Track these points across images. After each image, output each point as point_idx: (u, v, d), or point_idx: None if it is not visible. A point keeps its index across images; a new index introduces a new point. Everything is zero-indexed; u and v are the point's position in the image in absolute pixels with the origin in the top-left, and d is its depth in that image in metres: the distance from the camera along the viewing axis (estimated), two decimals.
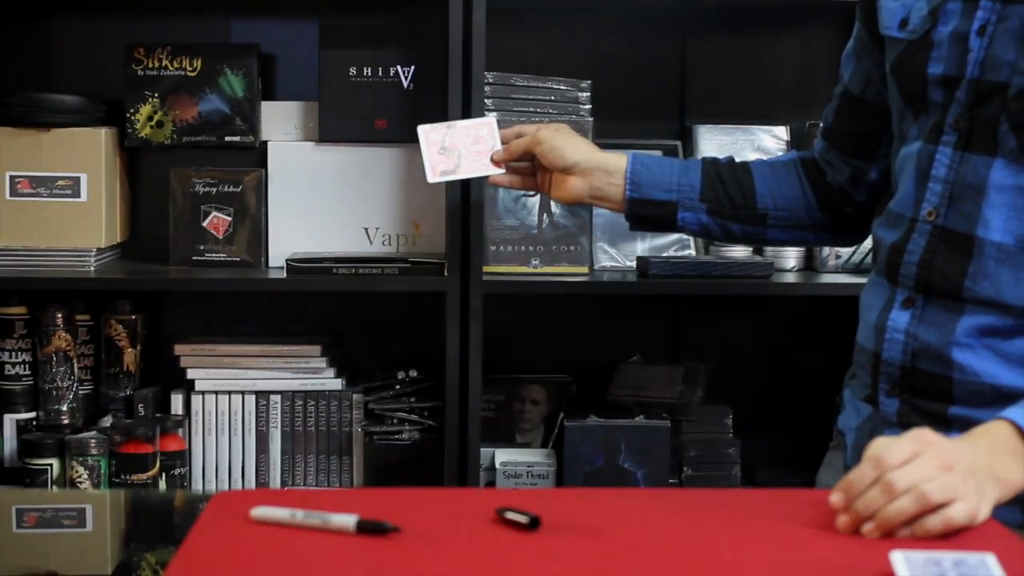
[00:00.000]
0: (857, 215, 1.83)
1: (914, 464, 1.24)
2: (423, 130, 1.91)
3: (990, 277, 1.48)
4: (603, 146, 1.98)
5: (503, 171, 1.94)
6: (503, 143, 1.93)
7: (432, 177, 1.92)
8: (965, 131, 1.50)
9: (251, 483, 2.64)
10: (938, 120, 1.53)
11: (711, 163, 1.88)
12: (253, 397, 2.64)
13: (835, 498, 1.25)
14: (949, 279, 1.50)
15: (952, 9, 1.52)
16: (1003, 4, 1.48)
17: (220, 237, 2.63)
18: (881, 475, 1.23)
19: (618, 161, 1.87)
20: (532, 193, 2.55)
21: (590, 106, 2.58)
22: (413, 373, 2.63)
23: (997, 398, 1.47)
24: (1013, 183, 1.47)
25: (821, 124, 1.84)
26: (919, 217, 1.53)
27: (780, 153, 2.55)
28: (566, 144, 1.88)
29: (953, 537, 1.20)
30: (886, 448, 1.25)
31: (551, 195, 1.92)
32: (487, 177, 1.96)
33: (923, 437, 1.27)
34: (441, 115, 2.37)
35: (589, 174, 1.87)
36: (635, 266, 2.63)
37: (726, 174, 1.86)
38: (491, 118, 1.94)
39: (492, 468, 2.58)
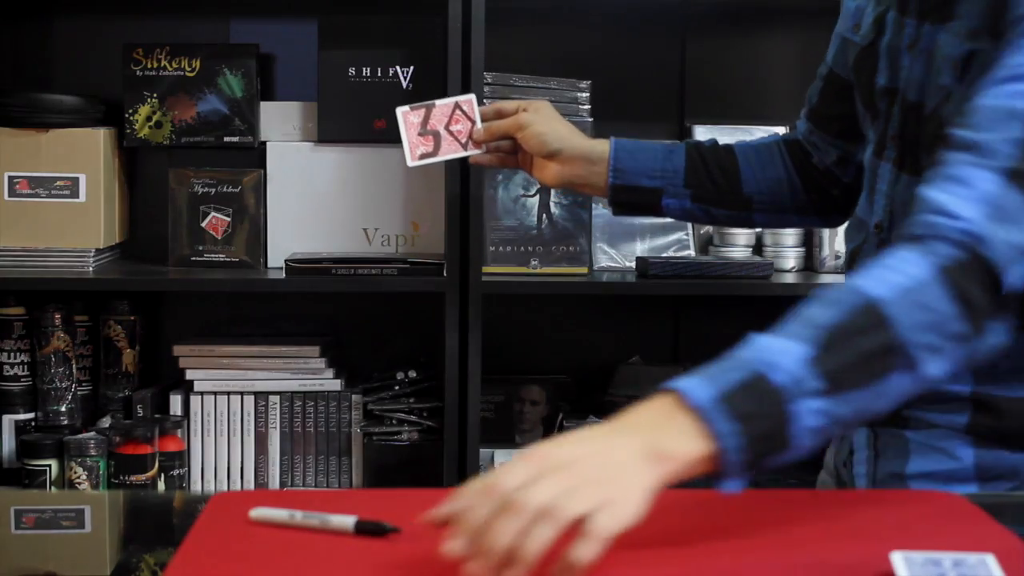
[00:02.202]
0: (843, 196, 1.80)
1: (538, 484, 1.06)
2: (401, 112, 1.87)
3: None
4: None
5: (483, 151, 1.89)
6: (483, 120, 1.88)
7: (411, 161, 1.88)
8: (900, 148, 1.49)
9: (250, 484, 2.64)
10: (882, 133, 1.52)
11: (694, 147, 1.84)
12: (252, 398, 2.64)
13: (456, 546, 1.07)
14: None
15: (891, 20, 1.51)
16: (919, 22, 1.46)
17: (219, 238, 2.62)
18: (503, 501, 1.06)
19: (600, 148, 1.82)
20: (532, 193, 2.55)
21: (589, 106, 2.58)
22: (412, 374, 2.63)
23: (939, 400, 1.48)
24: None
25: (805, 106, 1.82)
26: (870, 227, 1.53)
27: None
28: (547, 131, 1.82)
29: (952, 538, 1.20)
30: (501, 474, 1.08)
31: (533, 175, 1.88)
32: (468, 159, 1.92)
33: (539, 452, 1.10)
34: None
35: (571, 162, 1.82)
36: (634, 266, 2.63)
37: (710, 158, 1.83)
38: (471, 95, 1.90)
39: (491, 469, 2.58)
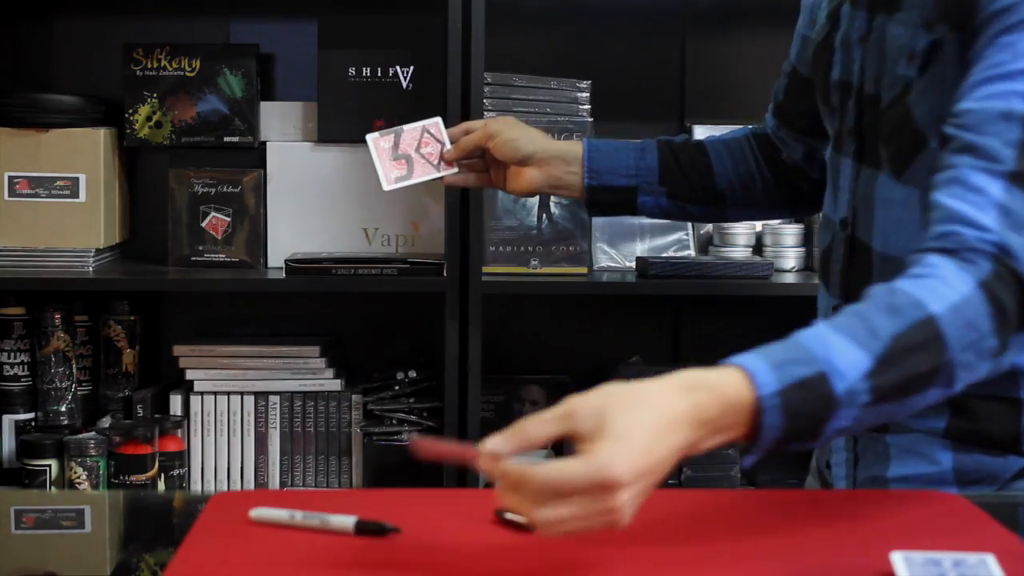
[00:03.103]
0: (813, 191, 1.81)
1: (573, 503, 1.05)
2: (371, 139, 1.88)
3: None
4: None
5: (456, 171, 1.89)
6: (452, 141, 1.88)
7: (387, 185, 1.88)
8: (858, 142, 1.49)
9: (250, 484, 2.64)
10: (840, 128, 1.53)
11: (666, 144, 1.85)
12: (252, 398, 2.64)
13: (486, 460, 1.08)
14: (861, 290, 1.50)
15: (844, 13, 1.51)
16: (872, 14, 1.46)
17: (219, 238, 2.62)
18: (536, 495, 1.06)
19: (574, 149, 1.83)
20: None
21: (589, 106, 2.58)
22: (412, 374, 2.63)
23: None
24: (896, 196, 1.45)
25: (772, 102, 1.82)
26: (836, 225, 1.53)
27: None
28: (519, 135, 1.82)
29: (952, 538, 1.20)
30: (563, 470, 1.05)
31: (506, 189, 1.87)
32: (441, 179, 1.92)
33: (611, 452, 1.06)
34: (440, 115, 2.37)
35: (546, 164, 1.82)
36: (634, 266, 2.63)
37: (682, 155, 1.84)
38: (437, 119, 1.90)
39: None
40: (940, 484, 1.46)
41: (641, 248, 2.66)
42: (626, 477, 1.05)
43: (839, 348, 1.17)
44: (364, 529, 1.17)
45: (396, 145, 1.87)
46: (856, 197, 1.50)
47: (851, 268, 1.51)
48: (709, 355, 3.02)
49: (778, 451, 1.18)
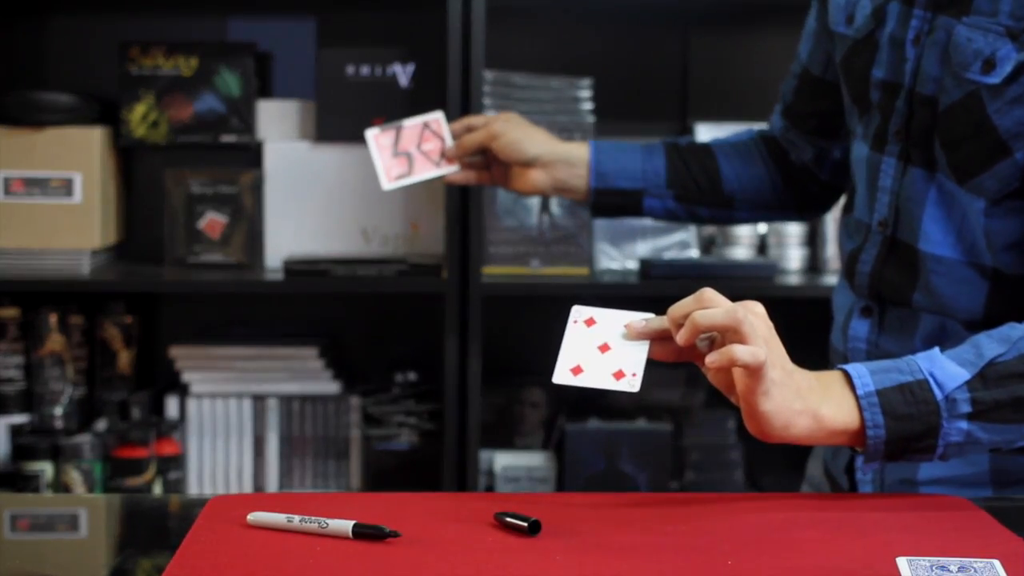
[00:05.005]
0: (822, 192, 1.80)
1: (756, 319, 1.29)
2: (371, 135, 1.85)
3: (932, 290, 1.45)
4: None
5: (456, 168, 1.87)
6: (454, 137, 1.87)
7: (386, 184, 1.86)
8: (905, 142, 1.47)
9: (247, 487, 2.63)
10: (881, 128, 1.50)
11: (672, 147, 1.84)
12: (249, 400, 2.62)
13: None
14: (898, 290, 1.48)
15: (892, 11, 1.48)
16: (934, 14, 1.43)
17: (216, 239, 2.61)
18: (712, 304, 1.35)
19: (580, 151, 1.82)
20: None
21: (591, 105, 2.56)
22: (411, 376, 2.62)
23: None
24: (949, 197, 1.43)
25: (779, 103, 1.80)
26: (872, 227, 1.51)
27: None
28: (523, 137, 1.82)
29: (959, 543, 1.19)
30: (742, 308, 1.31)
31: (508, 187, 1.86)
32: (442, 177, 1.90)
33: (777, 344, 1.27)
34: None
35: (551, 167, 1.81)
36: (637, 267, 2.61)
37: (690, 158, 1.83)
38: (439, 113, 1.88)
39: (491, 472, 2.56)
40: (975, 486, 1.45)
41: (643, 249, 2.64)
42: (760, 310, 1.31)
43: (943, 364, 1.26)
44: (362, 533, 1.16)
45: (396, 142, 1.85)
46: (899, 198, 1.48)
47: (886, 269, 1.49)
48: None
49: (896, 458, 1.27)
